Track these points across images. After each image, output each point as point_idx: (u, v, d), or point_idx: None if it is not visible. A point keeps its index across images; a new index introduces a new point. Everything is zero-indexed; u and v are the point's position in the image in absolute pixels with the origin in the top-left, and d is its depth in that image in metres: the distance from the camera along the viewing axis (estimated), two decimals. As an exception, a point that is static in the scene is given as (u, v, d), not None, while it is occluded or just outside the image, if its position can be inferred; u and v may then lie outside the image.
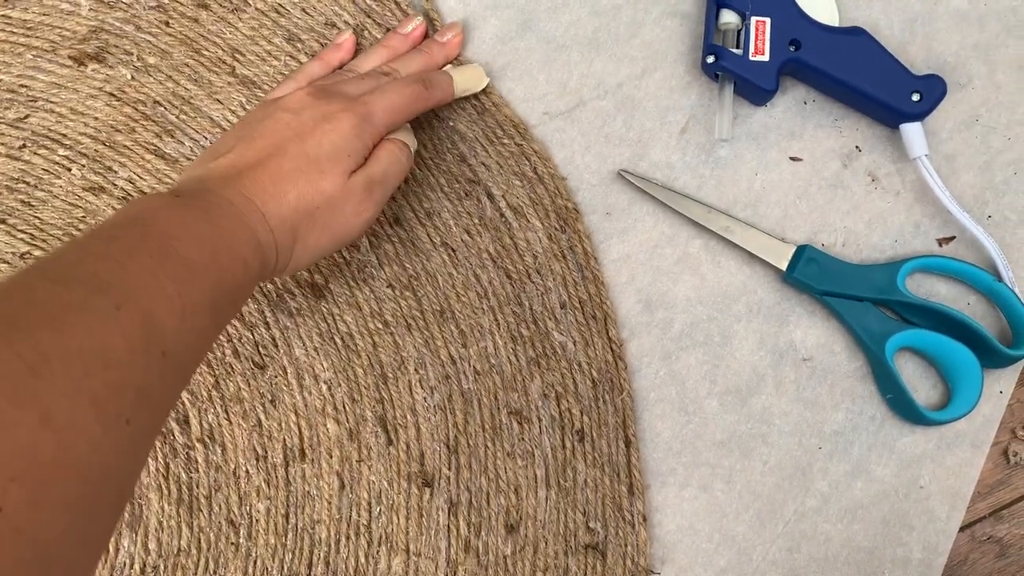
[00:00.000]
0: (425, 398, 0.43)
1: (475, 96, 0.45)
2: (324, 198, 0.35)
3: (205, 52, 0.45)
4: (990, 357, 0.41)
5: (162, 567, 0.42)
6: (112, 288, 0.26)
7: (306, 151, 0.35)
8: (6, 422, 0.21)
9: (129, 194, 0.44)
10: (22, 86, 0.45)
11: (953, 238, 0.43)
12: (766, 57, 0.42)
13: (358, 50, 0.45)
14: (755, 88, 0.42)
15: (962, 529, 0.42)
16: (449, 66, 0.44)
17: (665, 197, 0.43)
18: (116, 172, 0.44)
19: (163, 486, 0.42)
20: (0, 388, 0.21)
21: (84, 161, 0.44)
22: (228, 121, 0.44)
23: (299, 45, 0.45)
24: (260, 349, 0.43)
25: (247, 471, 0.42)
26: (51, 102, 0.45)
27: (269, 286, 0.43)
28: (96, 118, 0.45)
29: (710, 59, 0.42)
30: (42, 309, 0.24)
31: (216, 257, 0.30)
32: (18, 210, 0.44)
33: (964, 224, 0.41)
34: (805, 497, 0.42)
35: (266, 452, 0.42)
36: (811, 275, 0.42)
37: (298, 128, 0.36)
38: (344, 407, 0.42)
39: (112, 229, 0.29)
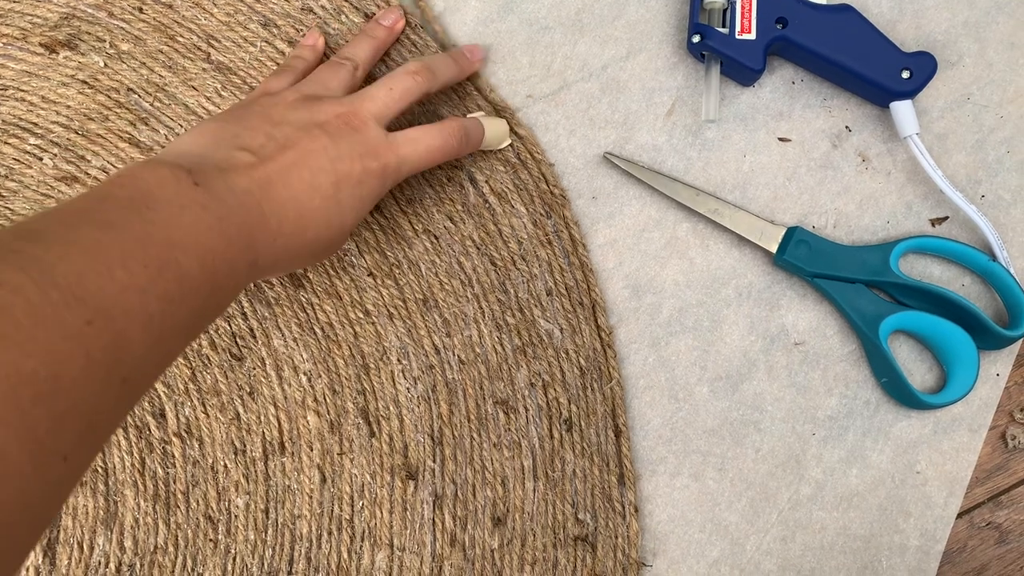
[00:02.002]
0: (408, 389, 0.41)
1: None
2: (338, 243, 0.35)
3: (180, 38, 0.44)
4: (986, 339, 0.40)
5: (138, 565, 0.40)
6: (90, 299, 0.22)
7: (339, 196, 0.33)
8: None
9: (103, 184, 0.43)
10: (-8, 75, 0.44)
11: (946, 218, 0.42)
12: (753, 36, 0.41)
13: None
14: (742, 68, 0.41)
15: (960, 515, 0.41)
16: (480, 114, 0.43)
17: (652, 180, 0.43)
18: (89, 161, 0.43)
19: (139, 482, 0.41)
20: None
21: (56, 150, 0.43)
22: (204, 108, 0.43)
23: (275, 31, 0.44)
24: (238, 340, 0.42)
25: (225, 466, 0.41)
26: (22, 90, 0.44)
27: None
28: (68, 106, 0.44)
29: (696, 39, 0.41)
30: (5, 315, 0.20)
31: (214, 276, 0.27)
32: (-11, 202, 0.43)
33: (957, 204, 0.41)
34: (799, 485, 0.41)
35: (245, 446, 0.41)
36: (802, 257, 0.41)
37: (335, 159, 0.33)
38: (325, 399, 0.41)
39: (112, 209, 0.25)
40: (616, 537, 0.40)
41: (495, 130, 0.42)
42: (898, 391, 0.41)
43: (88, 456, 0.23)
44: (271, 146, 0.32)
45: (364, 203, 0.35)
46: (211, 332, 0.42)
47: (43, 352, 0.21)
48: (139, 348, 0.24)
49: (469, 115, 0.42)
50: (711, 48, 0.41)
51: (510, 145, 0.43)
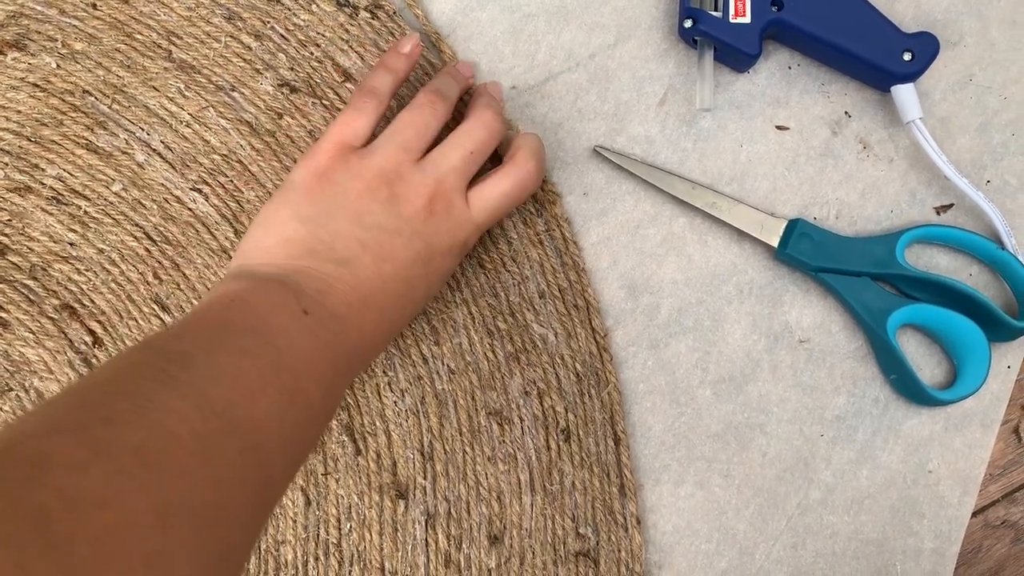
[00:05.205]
0: (395, 402, 0.39)
1: (436, 73, 0.41)
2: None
3: (138, 36, 0.41)
4: (996, 330, 0.39)
5: (112, 602, 0.38)
6: (241, 426, 0.23)
7: (430, 293, 0.35)
8: None
9: (60, 194, 0.40)
10: (-65, 79, 0.41)
11: (951, 205, 0.41)
12: (747, 19, 0.39)
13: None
14: (737, 53, 0.39)
15: (975, 514, 0.40)
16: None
17: (645, 173, 0.40)
18: (44, 170, 0.40)
19: (109, 513, 0.38)
20: (131, 542, 0.18)
21: (7, 159, 0.40)
22: (166, 110, 0.41)
23: (240, 24, 0.41)
24: (212, 357, 0.39)
25: (202, 491, 0.39)
26: (-32, 95, 0.41)
27: (219, 288, 0.40)
28: (19, 111, 0.41)
29: (687, 23, 0.39)
30: (179, 446, 0.21)
31: (330, 395, 0.29)
32: (-64, 216, 0.40)
33: (963, 190, 0.39)
34: (808, 489, 0.39)
35: (223, 469, 0.39)
36: (804, 251, 0.39)
37: (427, 261, 0.33)
38: (307, 416, 0.39)
39: (242, 336, 0.27)
40: (619, 551, 0.38)
41: None
42: (908, 388, 0.39)
43: None
44: (366, 259, 0.32)
45: (444, 283, 0.37)
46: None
47: (211, 482, 0.21)
48: (279, 474, 0.25)
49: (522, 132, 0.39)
50: (704, 33, 0.39)
51: None
